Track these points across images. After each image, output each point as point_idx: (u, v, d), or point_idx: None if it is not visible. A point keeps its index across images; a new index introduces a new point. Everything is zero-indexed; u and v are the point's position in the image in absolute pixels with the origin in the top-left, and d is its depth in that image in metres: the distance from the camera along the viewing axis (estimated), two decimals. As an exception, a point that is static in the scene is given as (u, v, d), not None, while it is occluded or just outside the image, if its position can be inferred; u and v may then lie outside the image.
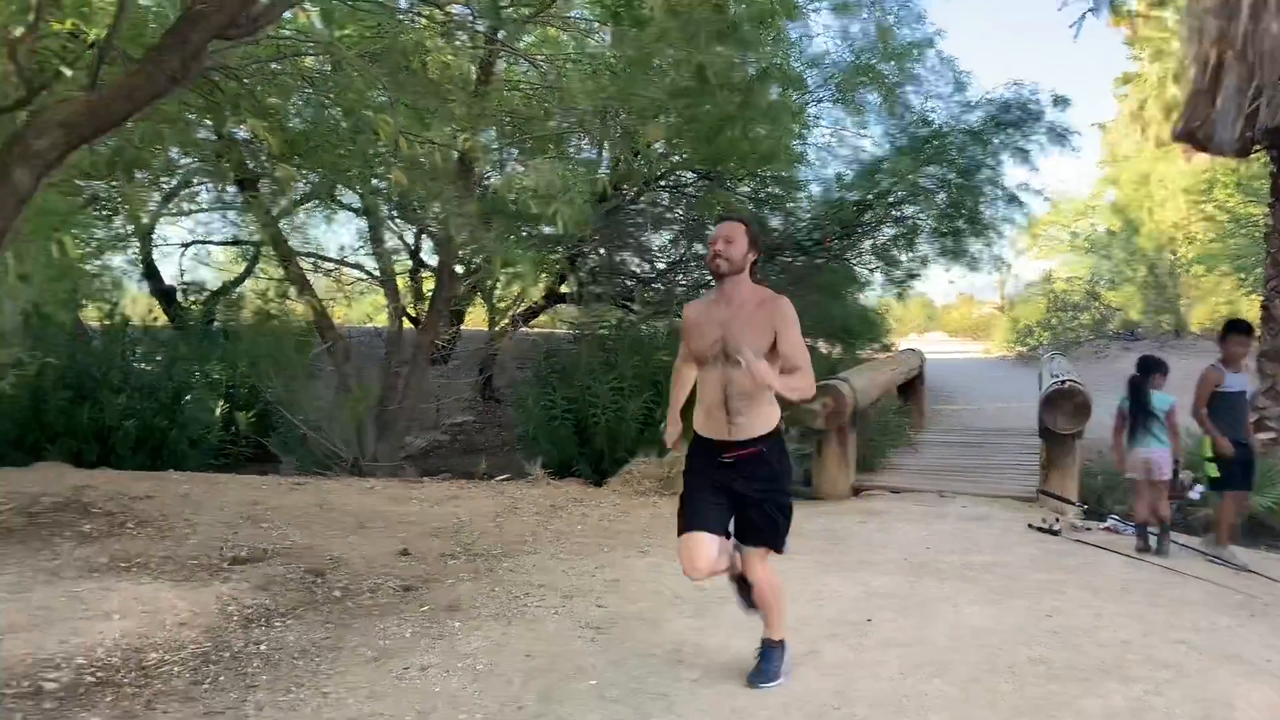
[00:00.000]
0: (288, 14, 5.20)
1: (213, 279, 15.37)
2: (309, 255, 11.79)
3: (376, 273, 11.68)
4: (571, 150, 9.86)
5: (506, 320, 14.63)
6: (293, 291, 10.43)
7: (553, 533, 6.60)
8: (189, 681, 3.75)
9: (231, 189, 10.52)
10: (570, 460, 9.31)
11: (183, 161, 9.43)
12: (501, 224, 7.95)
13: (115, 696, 3.58)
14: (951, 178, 12.76)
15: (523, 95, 8.33)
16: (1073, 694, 3.70)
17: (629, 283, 13.16)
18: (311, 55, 5.98)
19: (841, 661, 4.07)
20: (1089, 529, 7.33)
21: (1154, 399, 6.42)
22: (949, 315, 48.83)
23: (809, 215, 12.81)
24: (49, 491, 6.77)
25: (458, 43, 6.81)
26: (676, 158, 11.33)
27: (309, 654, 4.11)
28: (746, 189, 12.32)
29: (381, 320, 14.47)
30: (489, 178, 9.37)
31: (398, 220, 11.53)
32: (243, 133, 7.48)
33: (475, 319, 16.60)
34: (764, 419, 3.60)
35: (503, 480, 8.76)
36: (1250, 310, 13.10)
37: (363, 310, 17.17)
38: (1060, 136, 12.67)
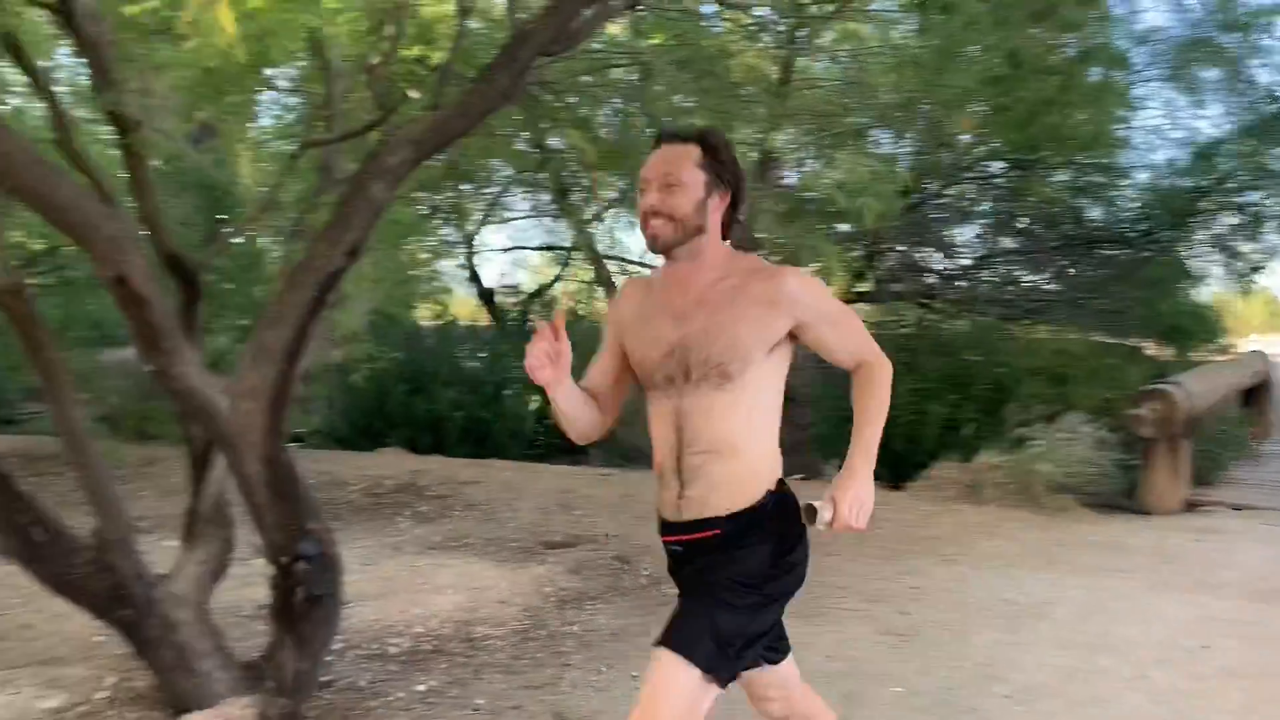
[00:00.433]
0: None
1: (528, 281, 16.52)
2: (615, 259, 12.34)
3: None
4: (871, 145, 9.66)
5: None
6: (600, 292, 10.98)
7: (851, 534, 6.47)
8: (510, 655, 4.04)
9: (546, 196, 11.23)
10: (867, 463, 9.07)
11: (501, 172, 10.24)
12: (804, 220, 7.93)
13: (448, 664, 3.92)
14: (1305, 159, 11.18)
15: (824, 92, 8.25)
16: None
17: (930, 280, 12.67)
18: (621, 65, 6.24)
19: (1173, 689, 3.71)
20: None
21: None
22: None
23: (1135, 204, 11.75)
24: (390, 475, 7.63)
25: (760, 44, 6.86)
26: (984, 148, 10.79)
27: (619, 637, 4.30)
28: (1064, 177, 11.51)
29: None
30: (786, 176, 9.38)
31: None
32: (557, 143, 7.95)
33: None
34: (735, 487, 2.17)
35: (798, 479, 8.72)
36: None
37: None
38: None
